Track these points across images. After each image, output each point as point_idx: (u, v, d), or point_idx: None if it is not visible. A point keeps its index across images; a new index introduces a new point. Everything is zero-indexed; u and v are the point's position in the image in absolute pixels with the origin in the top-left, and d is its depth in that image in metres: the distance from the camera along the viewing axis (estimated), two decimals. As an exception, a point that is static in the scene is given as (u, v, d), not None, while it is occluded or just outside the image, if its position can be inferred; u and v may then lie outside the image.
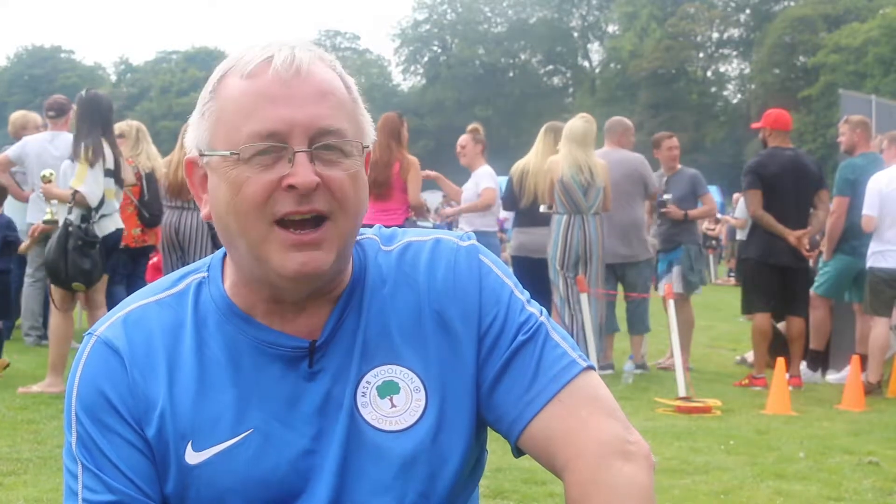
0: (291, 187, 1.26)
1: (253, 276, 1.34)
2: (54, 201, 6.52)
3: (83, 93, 6.48)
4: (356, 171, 1.31)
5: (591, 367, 1.38)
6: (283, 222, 1.28)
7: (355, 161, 1.31)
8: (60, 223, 6.26)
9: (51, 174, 6.66)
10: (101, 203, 6.26)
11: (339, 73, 1.34)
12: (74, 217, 6.16)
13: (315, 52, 1.33)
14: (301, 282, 1.30)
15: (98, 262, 6.17)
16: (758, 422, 6.16)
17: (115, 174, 6.39)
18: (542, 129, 8.31)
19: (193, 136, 1.34)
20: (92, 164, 6.15)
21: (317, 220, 1.28)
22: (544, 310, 1.43)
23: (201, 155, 1.34)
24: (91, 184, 6.16)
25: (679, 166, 8.75)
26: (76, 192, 6.12)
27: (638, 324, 8.17)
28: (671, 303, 7.15)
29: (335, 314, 1.37)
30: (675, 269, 8.46)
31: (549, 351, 1.37)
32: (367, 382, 1.37)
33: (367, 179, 1.36)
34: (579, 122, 7.70)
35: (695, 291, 8.56)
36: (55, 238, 6.13)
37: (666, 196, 8.44)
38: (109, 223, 6.41)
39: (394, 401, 1.36)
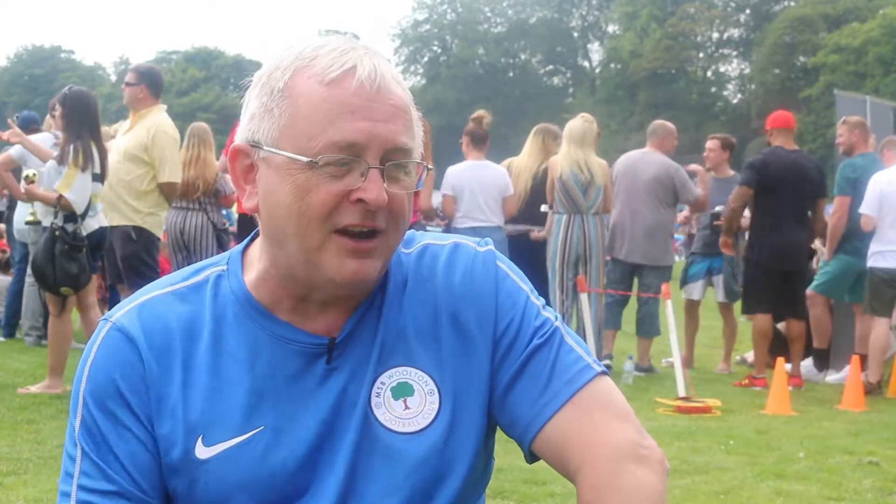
0: (360, 201, 1.27)
1: (293, 275, 1.34)
2: (37, 202, 6.51)
3: (67, 91, 6.37)
4: (412, 191, 1.34)
5: (605, 372, 1.39)
6: (343, 231, 1.29)
7: (413, 180, 1.33)
8: (44, 224, 6.23)
9: (34, 174, 6.64)
10: (87, 207, 6.24)
11: (405, 90, 1.35)
12: (60, 221, 6.10)
13: (390, 67, 1.33)
14: (350, 288, 1.32)
15: (86, 266, 6.11)
16: (758, 422, 6.16)
17: (101, 177, 6.37)
18: (533, 131, 8.36)
19: (253, 127, 1.32)
20: (83, 170, 6.12)
21: (372, 232, 1.30)
22: (559, 315, 1.44)
23: (255, 147, 1.32)
24: (79, 190, 6.11)
25: (731, 172, 8.69)
26: (61, 196, 6.09)
27: (648, 326, 8.17)
28: (669, 303, 7.16)
29: (357, 313, 1.38)
30: (717, 278, 8.50)
31: (564, 355, 1.38)
32: (382, 383, 1.37)
33: None
34: (578, 122, 7.74)
35: (737, 300, 8.55)
36: (42, 243, 6.07)
37: (719, 208, 8.42)
38: (93, 222, 6.40)
39: (408, 403, 1.37)
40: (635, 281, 8.28)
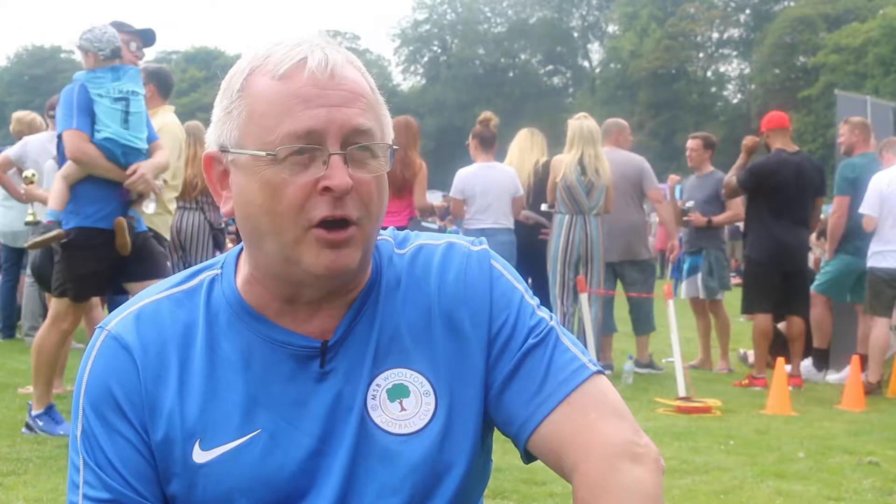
0: (327, 189, 1.27)
1: (274, 275, 1.34)
2: (36, 202, 6.50)
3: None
4: (381, 175, 1.33)
5: (600, 372, 1.39)
6: (317, 224, 1.29)
7: (381, 163, 1.33)
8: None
9: (33, 175, 6.63)
10: None
11: (364, 73, 1.35)
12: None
13: (342, 52, 1.34)
14: (329, 279, 1.31)
15: None
16: (758, 422, 6.16)
17: None
18: (523, 132, 8.42)
19: (218, 132, 1.34)
20: None
21: (344, 222, 1.29)
22: (554, 315, 1.44)
23: (224, 151, 1.34)
24: None
25: (711, 168, 8.73)
26: None
27: (643, 324, 8.18)
28: (671, 303, 7.16)
29: (349, 315, 1.38)
30: (698, 275, 8.55)
31: (559, 355, 1.38)
32: (378, 385, 1.37)
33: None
34: (590, 122, 7.72)
35: (715, 297, 8.56)
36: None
37: (689, 203, 8.47)
38: None
39: (403, 404, 1.37)
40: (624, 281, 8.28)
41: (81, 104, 4.86)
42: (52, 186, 5.13)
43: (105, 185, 4.95)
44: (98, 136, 4.87)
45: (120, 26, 5.29)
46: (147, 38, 5.53)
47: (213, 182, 1.38)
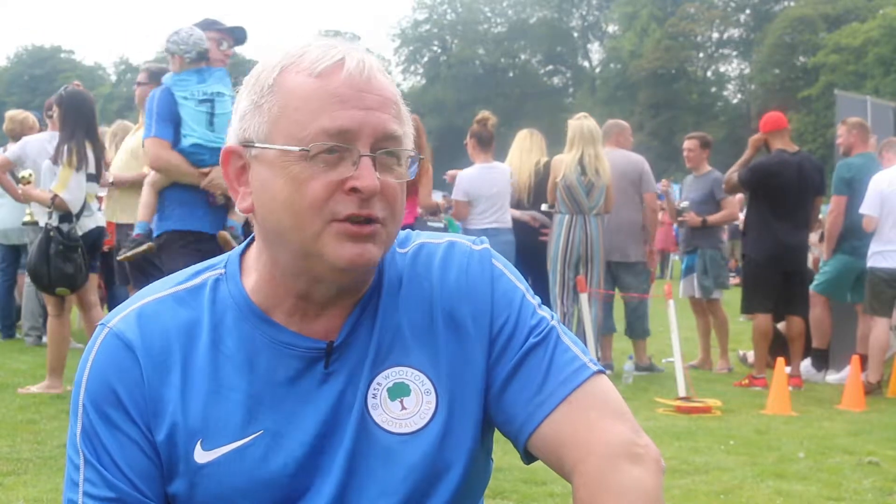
0: (354, 190, 1.27)
1: (293, 272, 1.34)
2: (34, 202, 6.51)
3: (63, 91, 6.36)
4: (405, 181, 1.34)
5: (601, 371, 1.38)
6: (340, 220, 1.29)
7: (405, 171, 1.34)
8: (41, 224, 6.22)
9: (30, 175, 6.62)
10: (83, 207, 6.23)
11: (392, 81, 1.36)
12: (55, 221, 6.07)
13: (376, 59, 1.35)
14: (351, 273, 1.32)
15: (81, 266, 6.06)
16: (758, 422, 6.16)
17: (96, 178, 6.36)
18: (523, 132, 8.44)
19: (244, 126, 1.33)
20: (77, 169, 6.10)
21: (369, 220, 1.30)
22: (555, 314, 1.44)
23: (247, 146, 1.33)
24: (74, 189, 6.09)
25: (708, 168, 8.75)
26: (55, 196, 6.07)
27: (637, 327, 8.16)
28: (671, 303, 7.16)
29: (354, 315, 1.38)
30: (694, 274, 8.58)
31: (560, 354, 1.38)
32: (378, 384, 1.37)
33: None
34: (590, 122, 7.73)
35: (711, 296, 8.57)
36: (36, 244, 6.04)
37: (684, 204, 8.50)
38: (89, 222, 6.39)
39: (404, 403, 1.37)
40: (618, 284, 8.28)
41: (162, 110, 4.83)
42: (141, 196, 5.12)
43: (191, 188, 4.89)
44: (185, 142, 4.84)
45: (211, 24, 5.24)
46: (239, 35, 5.49)
47: (230, 177, 1.37)
